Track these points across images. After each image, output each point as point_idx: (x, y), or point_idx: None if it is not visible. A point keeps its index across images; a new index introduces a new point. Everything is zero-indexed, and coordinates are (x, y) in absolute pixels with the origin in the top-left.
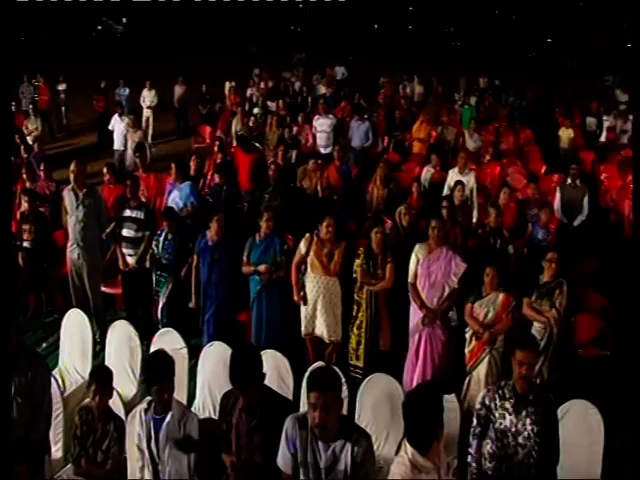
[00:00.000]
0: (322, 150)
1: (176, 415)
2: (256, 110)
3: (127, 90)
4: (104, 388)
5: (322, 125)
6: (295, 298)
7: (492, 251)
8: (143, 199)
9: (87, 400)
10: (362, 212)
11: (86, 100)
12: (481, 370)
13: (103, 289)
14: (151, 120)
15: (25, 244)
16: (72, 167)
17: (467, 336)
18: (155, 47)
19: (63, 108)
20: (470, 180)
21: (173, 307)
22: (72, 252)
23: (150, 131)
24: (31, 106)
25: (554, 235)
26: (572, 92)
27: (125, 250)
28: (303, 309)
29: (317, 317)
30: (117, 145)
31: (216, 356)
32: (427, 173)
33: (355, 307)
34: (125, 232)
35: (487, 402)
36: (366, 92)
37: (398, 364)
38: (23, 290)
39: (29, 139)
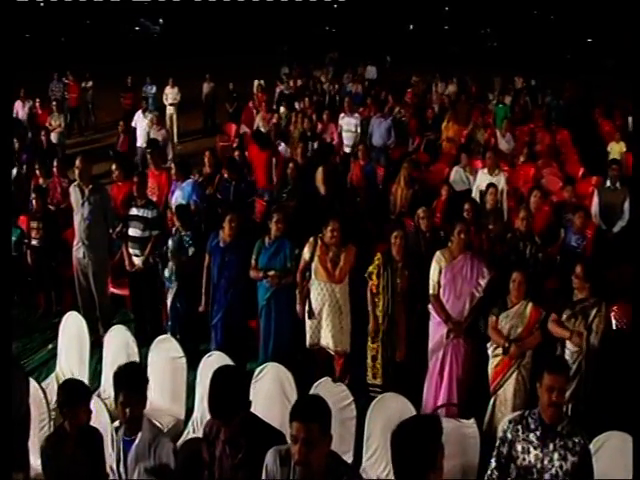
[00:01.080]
0: (347, 150)
1: (146, 438)
2: (282, 109)
3: (154, 87)
4: (74, 409)
5: (348, 124)
6: (298, 308)
7: (521, 258)
8: (154, 197)
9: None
10: (386, 214)
11: (115, 98)
12: (508, 389)
13: (112, 290)
14: (175, 118)
15: (34, 242)
16: (77, 163)
17: (490, 352)
18: (189, 47)
19: (90, 105)
20: (500, 182)
21: (181, 310)
22: (78, 251)
23: (175, 129)
24: (54, 102)
25: (590, 242)
26: (611, 92)
27: (131, 250)
28: (307, 315)
29: (322, 327)
30: (139, 142)
31: (216, 367)
32: (456, 174)
33: (370, 318)
34: (131, 231)
35: (509, 436)
36: (397, 91)
37: (419, 382)
38: (32, 289)
39: (53, 136)
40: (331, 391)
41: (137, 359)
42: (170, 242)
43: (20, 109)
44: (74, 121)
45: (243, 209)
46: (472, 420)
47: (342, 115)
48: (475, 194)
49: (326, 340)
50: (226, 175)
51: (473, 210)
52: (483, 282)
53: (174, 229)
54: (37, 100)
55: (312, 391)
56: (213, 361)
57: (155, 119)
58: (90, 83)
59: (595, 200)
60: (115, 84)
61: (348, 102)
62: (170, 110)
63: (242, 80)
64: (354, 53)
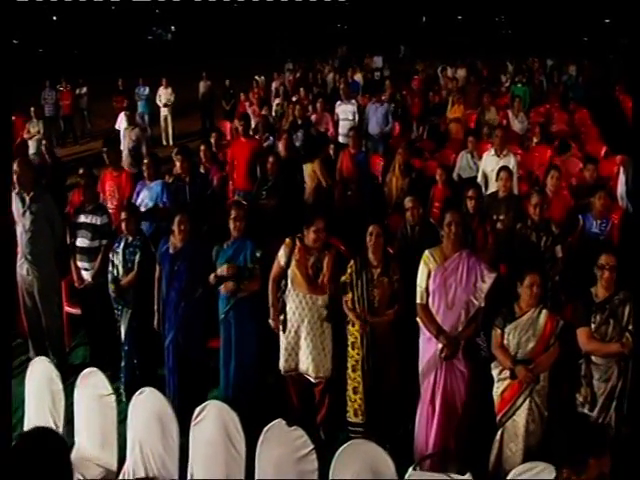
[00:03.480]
0: (342, 139)
1: None
2: (277, 101)
3: (147, 89)
4: None
5: (344, 112)
6: (271, 323)
7: (533, 253)
8: (114, 201)
9: None
10: (383, 209)
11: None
12: (518, 422)
13: (67, 309)
14: (169, 119)
15: None
16: (15, 167)
17: (495, 374)
18: (200, 51)
19: (85, 113)
20: (510, 163)
21: (139, 331)
22: (21, 267)
23: (170, 130)
24: (33, 109)
25: (616, 228)
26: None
27: (80, 263)
28: (283, 337)
29: (301, 347)
30: (123, 145)
31: (148, 407)
32: (462, 159)
33: (349, 342)
34: (79, 241)
35: None
36: (404, 79)
37: (413, 418)
38: None
39: (31, 143)
40: (286, 437)
41: (62, 398)
42: (113, 252)
43: None
44: (68, 129)
45: (203, 210)
46: (468, 476)
47: (338, 102)
48: (480, 179)
49: (305, 365)
50: (178, 168)
51: (477, 197)
52: (483, 287)
53: (119, 237)
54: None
55: (261, 437)
56: (144, 399)
57: (126, 119)
58: (84, 89)
59: (621, 179)
60: (111, 90)
61: (344, 88)
62: (164, 111)
63: (241, 78)
64: (365, 48)
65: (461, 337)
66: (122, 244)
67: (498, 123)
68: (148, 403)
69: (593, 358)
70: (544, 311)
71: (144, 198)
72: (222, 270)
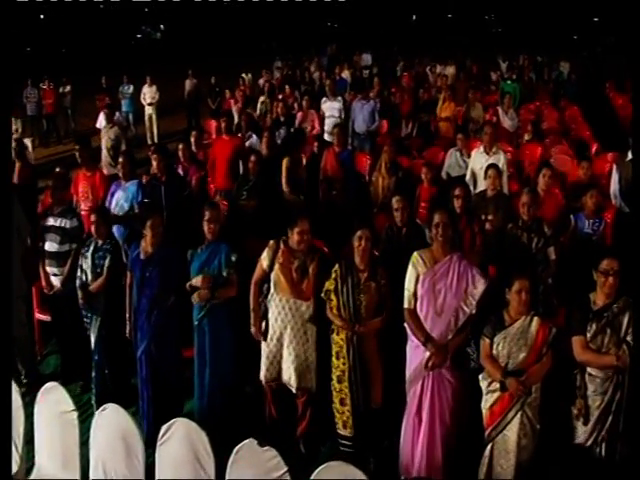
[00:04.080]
0: (328, 137)
1: None
2: (262, 98)
3: (131, 87)
4: None
5: (330, 109)
6: (252, 330)
7: (524, 255)
8: (88, 203)
9: None
10: (369, 209)
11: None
12: (509, 436)
13: (38, 316)
14: (154, 118)
15: None
16: None
17: (484, 386)
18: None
19: (69, 111)
20: (499, 161)
21: (109, 340)
22: None
23: (154, 129)
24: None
25: (610, 227)
26: (618, 68)
27: (49, 268)
28: (264, 344)
29: (284, 356)
30: (102, 144)
31: (112, 424)
32: (451, 157)
33: (333, 352)
34: (48, 245)
35: None
36: (392, 77)
37: (397, 429)
38: None
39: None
40: (258, 458)
41: (22, 415)
42: (82, 257)
43: None
44: (52, 128)
45: (179, 213)
46: None
47: (324, 99)
48: (469, 178)
49: (288, 374)
50: (154, 167)
51: (464, 196)
52: (474, 294)
53: (88, 240)
54: None
55: (232, 458)
56: (107, 416)
57: (105, 116)
58: (68, 88)
59: (614, 177)
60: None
61: (330, 85)
62: (149, 110)
63: (231, 77)
64: (355, 46)
65: (450, 346)
66: (91, 248)
67: (488, 120)
68: (112, 420)
69: (588, 369)
70: (535, 319)
71: (119, 199)
72: (197, 281)
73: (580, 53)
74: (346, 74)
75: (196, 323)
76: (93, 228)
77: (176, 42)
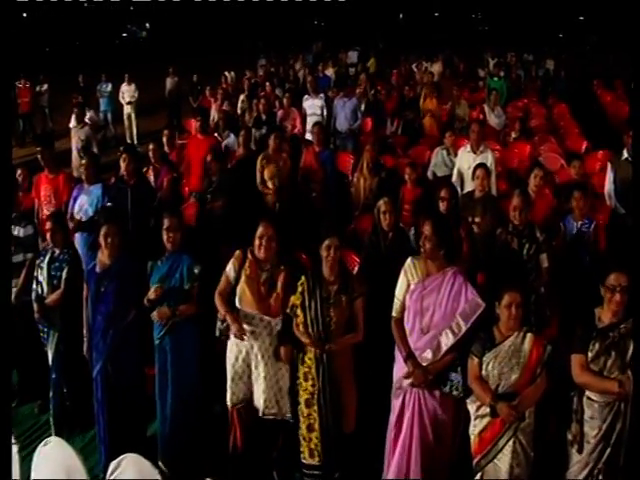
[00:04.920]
0: (310, 136)
1: None
2: (242, 97)
3: (109, 85)
4: None
5: (312, 107)
6: (233, 328)
7: (515, 263)
8: (50, 207)
9: None
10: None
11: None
12: (501, 467)
13: None
14: (133, 117)
15: None
16: None
17: (472, 410)
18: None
19: (46, 110)
20: (487, 160)
21: (67, 357)
22: None
23: (134, 129)
24: None
25: (602, 229)
26: (608, 64)
27: None
28: (229, 365)
29: (252, 378)
30: (72, 145)
31: (55, 459)
32: (437, 156)
33: (300, 373)
34: None
35: None
36: (379, 75)
37: (377, 456)
38: None
39: None
40: None
41: None
42: (37, 267)
43: None
44: (28, 128)
45: (144, 220)
46: None
47: (306, 97)
48: (455, 178)
49: (257, 398)
50: (122, 169)
51: (450, 198)
52: (467, 316)
53: (43, 249)
54: None
55: None
56: (50, 452)
57: (75, 115)
58: (45, 86)
59: (609, 177)
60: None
61: (311, 82)
62: (128, 109)
63: (216, 75)
64: (342, 44)
65: (431, 369)
66: (47, 258)
67: (475, 118)
68: (55, 455)
69: (587, 392)
70: (529, 335)
71: (83, 204)
72: (150, 293)
73: (568, 51)
74: (330, 71)
75: (157, 342)
76: (49, 236)
77: (162, 41)
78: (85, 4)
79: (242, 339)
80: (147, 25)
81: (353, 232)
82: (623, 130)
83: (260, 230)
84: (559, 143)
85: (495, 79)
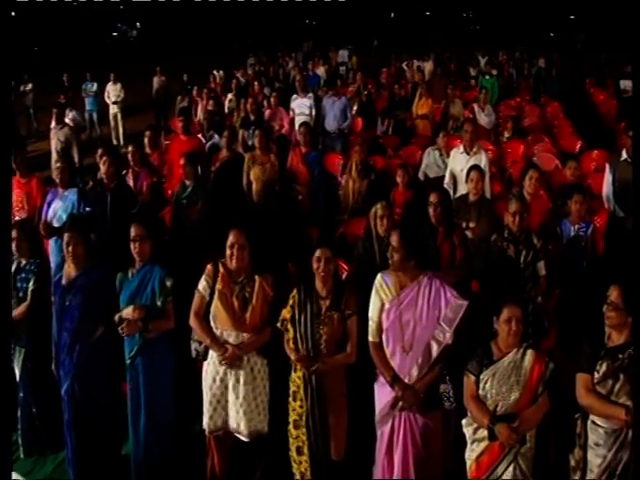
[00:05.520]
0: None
1: None
2: (229, 96)
3: (95, 85)
4: None
5: (300, 106)
6: (226, 356)
7: (512, 271)
8: (23, 213)
9: None
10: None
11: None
12: None
13: None
14: (119, 117)
15: None
16: None
17: (468, 433)
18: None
19: (31, 111)
20: (481, 162)
21: (36, 374)
22: None
23: (120, 129)
24: None
25: (599, 232)
26: (601, 64)
27: None
28: (206, 388)
29: (230, 400)
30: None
31: None
32: (429, 156)
33: (290, 391)
34: None
35: None
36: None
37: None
38: None
39: None
40: None
41: None
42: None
43: None
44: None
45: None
46: None
47: (294, 96)
48: (448, 180)
49: (236, 421)
50: (102, 172)
51: (441, 203)
52: (451, 320)
53: (13, 258)
54: None
55: None
56: None
57: (55, 116)
58: (30, 86)
59: (608, 178)
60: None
61: (300, 80)
62: (114, 109)
63: (206, 75)
64: (333, 43)
65: (420, 386)
66: (13, 268)
67: (468, 118)
68: None
69: (592, 416)
70: (529, 352)
71: (57, 210)
72: (128, 313)
73: (559, 49)
74: (321, 70)
75: (128, 361)
76: (14, 245)
77: (153, 40)
78: (74, 3)
79: (229, 365)
80: (138, 24)
81: (342, 237)
82: (616, 129)
83: (230, 239)
84: (553, 143)
85: (487, 77)
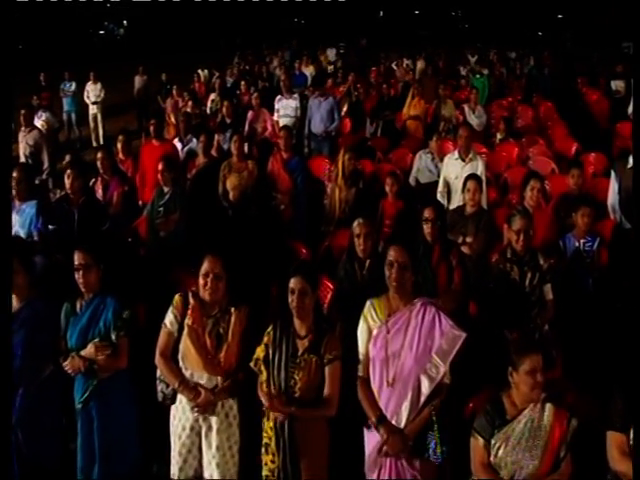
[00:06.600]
0: None
1: None
2: (212, 96)
3: (73, 85)
4: None
5: (285, 108)
6: (199, 403)
7: (517, 297)
8: None
9: None
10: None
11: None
12: None
13: None
14: (99, 118)
15: None
16: None
17: None
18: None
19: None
20: (477, 170)
21: None
22: None
23: (100, 131)
24: None
25: (605, 246)
26: (592, 62)
27: None
28: (175, 437)
29: (203, 449)
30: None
31: None
32: (420, 160)
33: (262, 442)
34: None
35: None
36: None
37: None
38: None
39: None
40: None
41: None
42: None
43: None
44: None
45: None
46: None
47: (279, 97)
48: (442, 188)
49: (209, 471)
50: (67, 185)
51: (436, 219)
52: (446, 353)
53: None
54: None
55: None
56: None
57: (23, 117)
58: None
59: (613, 187)
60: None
61: (285, 80)
62: (93, 109)
63: (191, 74)
64: (321, 42)
65: (409, 430)
66: None
67: (464, 121)
68: None
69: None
70: (548, 406)
71: (13, 225)
72: (89, 352)
73: (548, 48)
74: (310, 69)
75: (79, 406)
76: None
77: (139, 38)
78: (62, 1)
79: (202, 412)
80: (125, 22)
81: (327, 250)
82: (612, 130)
83: (205, 266)
84: (548, 145)
85: (477, 76)
